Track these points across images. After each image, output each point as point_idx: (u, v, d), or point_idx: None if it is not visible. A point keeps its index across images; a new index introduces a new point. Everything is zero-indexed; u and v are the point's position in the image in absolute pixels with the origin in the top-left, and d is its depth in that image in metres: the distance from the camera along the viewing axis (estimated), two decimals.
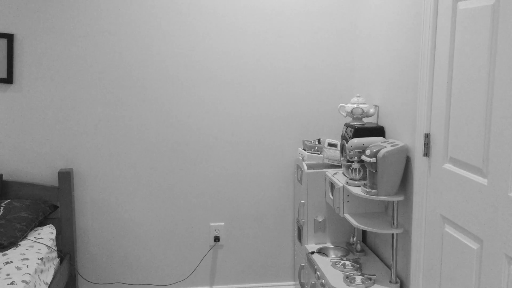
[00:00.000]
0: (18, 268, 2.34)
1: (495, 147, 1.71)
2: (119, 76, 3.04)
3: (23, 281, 2.23)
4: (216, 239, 3.25)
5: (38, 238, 2.72)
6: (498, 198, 1.69)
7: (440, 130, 2.08)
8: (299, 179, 3.03)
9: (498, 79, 1.69)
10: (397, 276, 2.52)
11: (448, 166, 2.03)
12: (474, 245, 1.85)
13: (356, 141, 2.51)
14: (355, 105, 2.69)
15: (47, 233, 2.82)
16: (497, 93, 1.69)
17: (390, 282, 2.46)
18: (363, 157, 2.35)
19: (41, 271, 2.48)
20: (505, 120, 1.65)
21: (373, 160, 2.30)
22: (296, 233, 3.20)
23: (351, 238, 2.89)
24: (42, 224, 2.93)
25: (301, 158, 3.00)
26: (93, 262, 3.18)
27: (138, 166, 3.13)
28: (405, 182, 2.42)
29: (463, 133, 1.92)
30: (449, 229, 2.03)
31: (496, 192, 1.70)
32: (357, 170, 2.52)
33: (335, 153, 2.91)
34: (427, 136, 2.18)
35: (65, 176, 2.98)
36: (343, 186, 2.58)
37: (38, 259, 2.49)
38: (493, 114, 1.72)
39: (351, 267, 2.59)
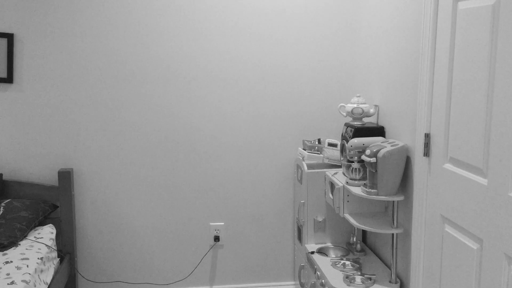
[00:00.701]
0: (18, 268, 2.34)
1: (495, 147, 1.71)
2: (119, 76, 3.04)
3: (23, 281, 2.23)
4: (216, 239, 3.25)
5: (38, 238, 2.72)
6: (498, 198, 1.69)
7: (440, 130, 2.08)
8: (299, 179, 3.03)
9: (498, 79, 1.69)
10: (397, 276, 2.52)
11: (448, 166, 2.03)
12: (474, 245, 1.85)
13: (356, 141, 2.51)
14: (355, 105, 2.69)
15: (47, 232, 2.82)
16: (497, 93, 1.69)
17: (390, 282, 2.46)
18: (363, 157, 2.35)
19: (41, 271, 2.48)
20: (505, 120, 1.65)
21: (373, 160, 2.30)
22: (296, 233, 3.19)
23: (351, 238, 2.89)
24: (42, 223, 2.93)
25: (301, 158, 3.00)
26: (93, 262, 3.18)
27: (138, 166, 3.13)
28: (405, 182, 2.42)
29: (463, 133, 1.91)
30: (449, 229, 2.03)
31: (496, 192, 1.70)
32: (357, 170, 2.52)
33: (335, 153, 2.91)
34: (427, 136, 2.18)
35: (65, 176, 2.98)
36: (343, 186, 2.58)
37: (38, 258, 2.49)
38: (493, 114, 1.71)
39: (351, 267, 2.59)
